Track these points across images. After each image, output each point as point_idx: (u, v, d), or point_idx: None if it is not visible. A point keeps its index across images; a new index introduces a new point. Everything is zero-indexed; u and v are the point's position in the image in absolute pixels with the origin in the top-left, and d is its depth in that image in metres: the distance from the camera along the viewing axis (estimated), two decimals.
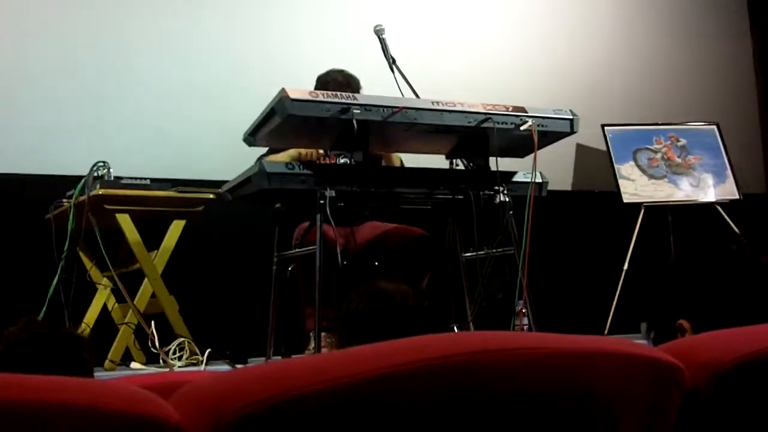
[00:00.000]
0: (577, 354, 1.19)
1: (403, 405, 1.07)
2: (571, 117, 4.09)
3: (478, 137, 3.96)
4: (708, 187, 6.34)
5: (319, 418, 1.03)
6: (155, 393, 1.07)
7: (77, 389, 1.02)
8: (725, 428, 1.29)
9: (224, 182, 4.11)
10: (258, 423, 1.01)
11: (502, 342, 1.16)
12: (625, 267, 5.86)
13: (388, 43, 4.49)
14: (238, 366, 3.93)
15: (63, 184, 4.68)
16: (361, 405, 1.05)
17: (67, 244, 4.39)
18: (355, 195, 3.82)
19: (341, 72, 4.73)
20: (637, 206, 6.09)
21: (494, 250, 4.01)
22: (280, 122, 3.63)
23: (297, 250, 4.16)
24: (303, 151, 4.39)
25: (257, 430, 1.01)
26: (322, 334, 3.88)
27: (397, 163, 4.72)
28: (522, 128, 3.92)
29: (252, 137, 3.89)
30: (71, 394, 1.00)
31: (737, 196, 6.33)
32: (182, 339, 4.37)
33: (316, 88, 4.53)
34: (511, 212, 3.99)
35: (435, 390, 1.08)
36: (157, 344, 4.25)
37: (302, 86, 3.82)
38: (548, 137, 4.11)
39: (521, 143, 4.03)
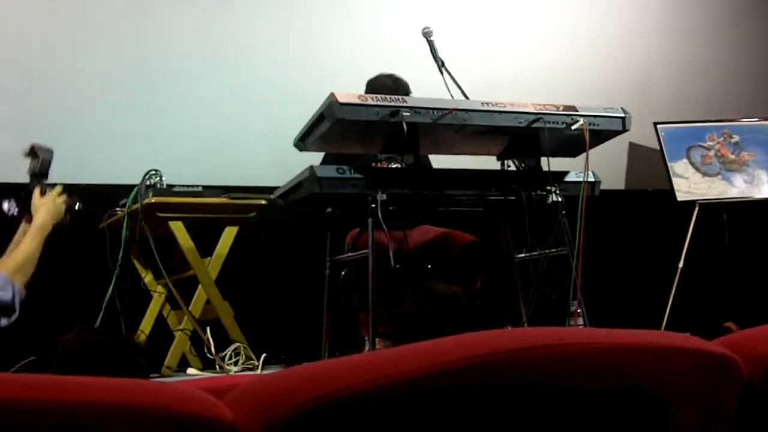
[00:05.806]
0: (630, 348, 1.19)
1: (453, 402, 1.07)
2: (622, 115, 4.05)
3: (529, 137, 3.93)
4: (762, 184, 6.25)
5: (370, 415, 1.03)
6: (211, 395, 1.08)
7: (135, 390, 1.03)
8: None
9: (275, 188, 4.11)
10: (310, 421, 1.02)
11: (552, 338, 1.16)
12: (680, 265, 5.79)
13: (436, 45, 4.49)
14: None
15: (116, 193, 4.70)
16: (411, 402, 1.05)
17: (121, 252, 4.41)
18: (407, 198, 3.81)
19: (390, 76, 4.73)
20: (691, 204, 6.01)
21: (547, 251, 3.99)
22: (330, 126, 3.63)
23: (349, 254, 4.16)
24: None
25: (310, 428, 1.01)
26: (377, 339, 3.87)
27: None
28: (573, 127, 3.89)
29: (302, 142, 3.90)
30: (129, 395, 1.01)
31: None
32: (238, 344, 4.37)
33: (366, 92, 4.52)
34: (563, 212, 3.96)
35: (485, 386, 1.08)
36: (213, 350, 4.27)
37: (352, 90, 3.81)
38: (600, 136, 4.07)
39: (573, 142, 3.99)
